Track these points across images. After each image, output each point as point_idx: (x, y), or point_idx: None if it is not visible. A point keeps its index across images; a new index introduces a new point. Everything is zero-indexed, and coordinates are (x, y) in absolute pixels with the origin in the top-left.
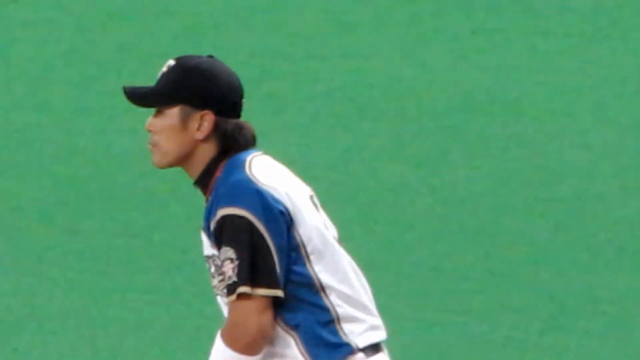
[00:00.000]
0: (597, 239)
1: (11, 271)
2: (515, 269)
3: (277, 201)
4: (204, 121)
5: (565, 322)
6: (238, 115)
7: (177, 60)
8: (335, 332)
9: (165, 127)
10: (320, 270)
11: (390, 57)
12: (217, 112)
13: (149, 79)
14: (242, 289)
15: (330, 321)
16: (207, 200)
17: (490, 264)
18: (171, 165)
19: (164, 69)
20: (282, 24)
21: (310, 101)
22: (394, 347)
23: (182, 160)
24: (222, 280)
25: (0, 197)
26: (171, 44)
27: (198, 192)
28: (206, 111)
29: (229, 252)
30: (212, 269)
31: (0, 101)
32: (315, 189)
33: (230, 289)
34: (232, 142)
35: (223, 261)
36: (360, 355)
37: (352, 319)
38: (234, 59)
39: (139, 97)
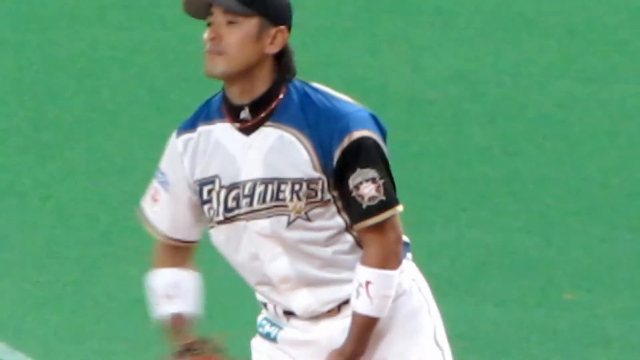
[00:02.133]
0: None
1: None
2: None
3: (383, 125)
4: (278, 37)
5: None
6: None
7: None
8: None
9: (241, 36)
10: None
11: None
12: (288, 30)
13: None
14: (397, 207)
15: None
16: (256, 121)
17: None
18: (233, 74)
19: None
20: None
21: (478, 15)
22: (563, 261)
23: (245, 72)
24: (355, 203)
25: (169, 109)
26: None
27: None
28: (282, 27)
29: (369, 172)
30: (303, 191)
31: (170, 14)
32: (484, 103)
33: (378, 209)
34: (289, 61)
35: (360, 183)
36: (409, 255)
37: None
38: None
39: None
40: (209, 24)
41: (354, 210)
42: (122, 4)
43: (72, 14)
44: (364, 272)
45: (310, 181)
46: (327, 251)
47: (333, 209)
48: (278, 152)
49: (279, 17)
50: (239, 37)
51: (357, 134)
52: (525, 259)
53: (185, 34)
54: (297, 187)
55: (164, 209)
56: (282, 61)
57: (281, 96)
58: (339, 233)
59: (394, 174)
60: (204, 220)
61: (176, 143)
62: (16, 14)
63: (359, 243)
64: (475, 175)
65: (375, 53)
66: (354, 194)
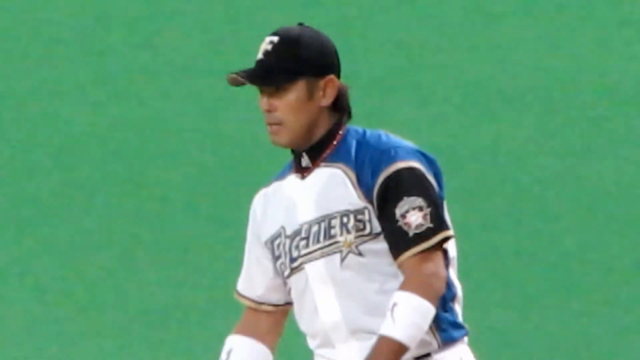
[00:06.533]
0: None
1: (157, 261)
2: None
3: (433, 160)
4: (328, 87)
5: None
6: (340, 74)
7: (279, 35)
8: (452, 312)
9: (292, 102)
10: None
11: (536, 48)
12: (336, 75)
13: None
14: (444, 233)
15: (451, 298)
16: (312, 164)
17: (637, 255)
18: (298, 139)
19: (268, 46)
20: (429, 15)
21: (456, 91)
22: (541, 336)
23: (308, 131)
24: (401, 231)
25: (147, 186)
26: None
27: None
28: (329, 76)
29: (416, 201)
30: (351, 224)
31: (147, 91)
32: (462, 179)
33: (424, 236)
34: (344, 101)
35: (407, 211)
36: (466, 339)
37: (460, 301)
38: (381, 50)
39: (260, 78)
40: (260, 90)
41: (399, 239)
42: (99, 81)
43: (50, 91)
44: (394, 296)
45: (356, 212)
46: (377, 291)
47: (384, 244)
48: (328, 189)
49: (323, 69)
50: (291, 103)
51: (402, 164)
52: (503, 334)
53: (163, 110)
54: (344, 219)
55: (245, 269)
56: (338, 104)
57: (337, 140)
58: (391, 274)
59: None
60: (280, 282)
61: (254, 201)
62: None
63: None
64: None
65: None
66: (400, 222)
